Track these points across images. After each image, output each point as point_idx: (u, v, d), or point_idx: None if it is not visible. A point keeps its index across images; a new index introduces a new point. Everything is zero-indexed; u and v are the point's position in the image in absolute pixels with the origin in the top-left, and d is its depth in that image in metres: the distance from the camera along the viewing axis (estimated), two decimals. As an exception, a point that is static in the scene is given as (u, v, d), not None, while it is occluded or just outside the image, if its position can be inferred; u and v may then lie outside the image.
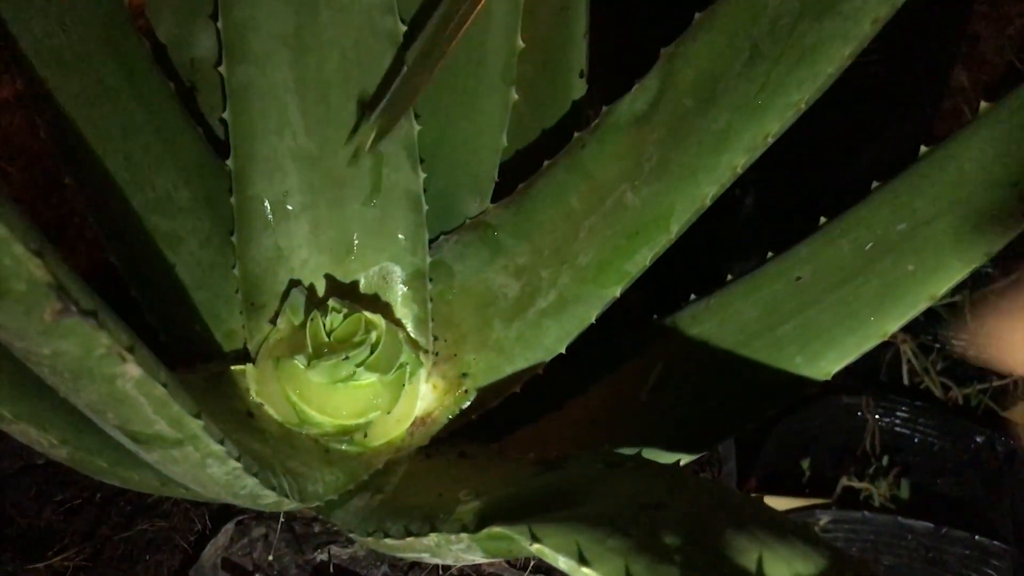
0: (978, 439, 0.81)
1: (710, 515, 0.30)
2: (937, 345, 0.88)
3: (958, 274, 0.41)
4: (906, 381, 0.87)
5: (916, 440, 0.83)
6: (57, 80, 0.45)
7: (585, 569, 0.27)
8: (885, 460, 0.81)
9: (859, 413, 0.82)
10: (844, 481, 0.77)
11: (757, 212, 0.83)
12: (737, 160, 0.44)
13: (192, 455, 0.33)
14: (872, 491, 0.78)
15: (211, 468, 0.34)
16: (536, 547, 0.29)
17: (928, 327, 0.87)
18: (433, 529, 0.36)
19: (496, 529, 0.32)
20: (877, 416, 0.82)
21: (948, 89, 1.06)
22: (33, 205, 0.88)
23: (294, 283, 0.49)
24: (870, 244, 0.45)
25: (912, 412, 0.83)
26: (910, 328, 0.42)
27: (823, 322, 0.44)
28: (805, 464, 0.80)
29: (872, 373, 0.87)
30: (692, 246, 0.50)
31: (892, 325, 0.43)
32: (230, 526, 0.47)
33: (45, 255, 0.23)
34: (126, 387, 0.27)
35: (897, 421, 0.83)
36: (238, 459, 0.34)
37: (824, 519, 0.71)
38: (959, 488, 0.81)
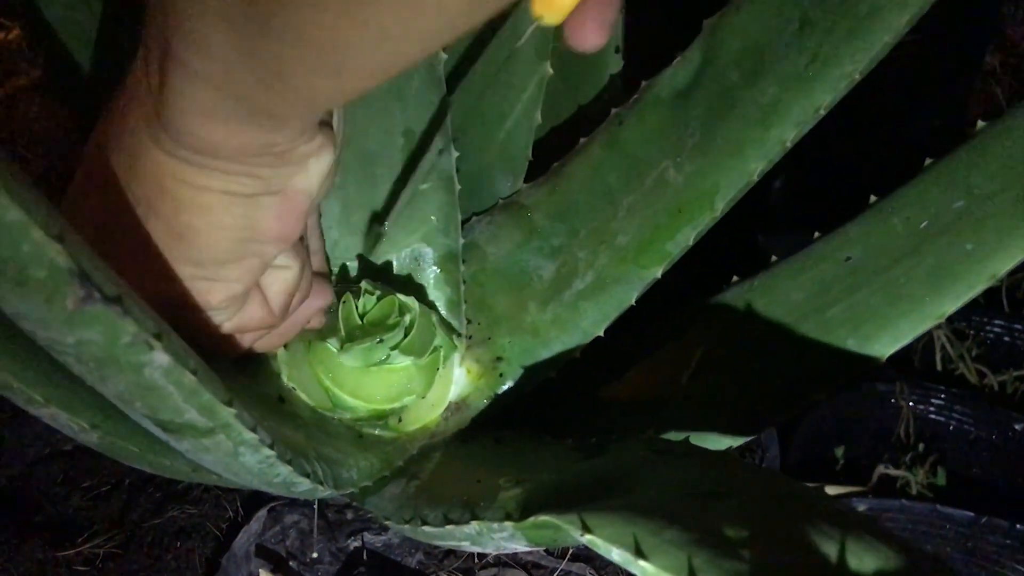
0: (1016, 426, 0.79)
1: (771, 506, 0.29)
2: (972, 331, 0.86)
3: (1022, 252, 0.39)
4: (939, 367, 0.85)
5: (951, 428, 0.81)
6: (80, 56, 0.44)
7: (642, 562, 0.26)
8: (921, 448, 0.79)
9: (893, 400, 0.80)
10: (880, 469, 0.76)
11: (794, 192, 0.81)
12: (787, 134, 0.42)
13: (224, 444, 0.32)
14: (909, 479, 0.76)
15: (244, 457, 0.33)
16: (588, 538, 0.28)
17: (963, 313, 0.85)
18: (474, 517, 0.35)
19: (543, 518, 0.30)
20: (911, 403, 0.80)
21: (979, 71, 1.04)
22: (51, 192, 0.88)
23: (324, 265, 0.48)
24: (924, 223, 0.43)
25: (947, 399, 0.81)
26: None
27: (875, 303, 0.43)
28: (839, 452, 0.78)
29: (906, 360, 0.85)
30: (733, 226, 0.48)
31: (949, 306, 0.41)
32: (262, 513, 0.46)
33: (66, 240, 0.22)
34: (154, 376, 0.26)
35: (932, 408, 0.82)
36: (271, 447, 0.33)
37: (861, 507, 0.69)
38: (997, 476, 0.79)
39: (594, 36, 0.31)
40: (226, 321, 0.36)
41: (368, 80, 0.26)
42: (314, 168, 0.32)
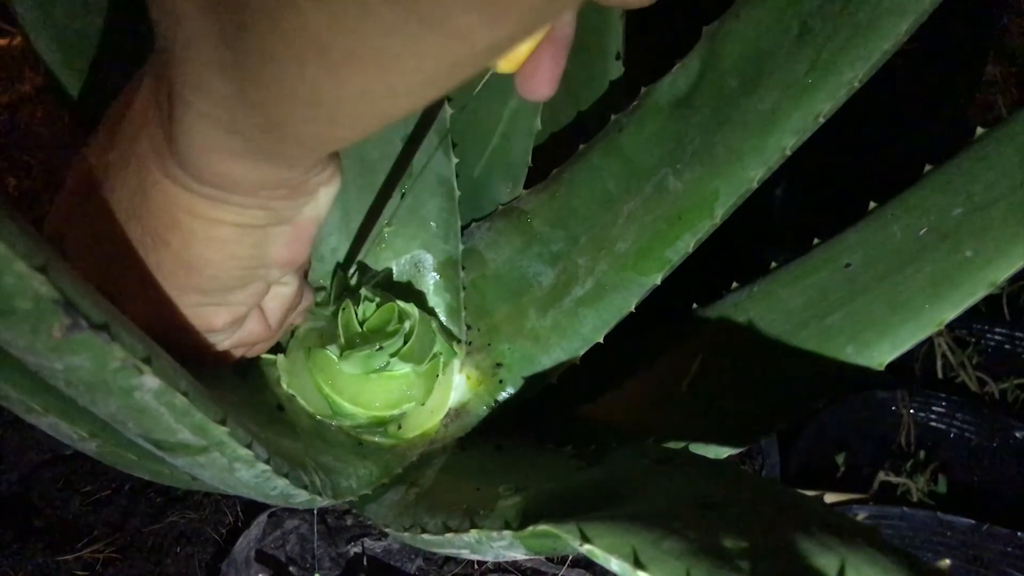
0: (1017, 434, 0.79)
1: (770, 516, 0.29)
2: (972, 339, 0.86)
3: (1021, 259, 0.39)
4: (940, 375, 0.85)
5: (952, 435, 0.81)
6: (81, 64, 0.44)
7: (641, 573, 0.26)
8: (922, 455, 0.79)
9: (894, 408, 0.80)
10: (881, 476, 0.76)
11: (794, 199, 0.81)
12: (786, 142, 0.42)
13: (219, 460, 0.32)
14: (910, 486, 0.76)
15: (239, 472, 0.33)
16: (587, 548, 0.28)
17: (964, 320, 0.85)
18: (473, 525, 0.35)
19: (543, 527, 0.30)
20: (912, 411, 0.80)
21: (981, 81, 1.04)
22: (54, 196, 0.88)
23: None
24: (923, 229, 0.43)
25: (948, 407, 0.81)
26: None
27: (875, 311, 0.42)
28: (840, 459, 0.78)
29: (906, 367, 0.85)
30: (732, 233, 0.48)
31: (949, 313, 0.41)
32: (262, 518, 0.46)
33: (50, 270, 0.22)
34: (144, 398, 0.26)
35: (932, 416, 0.82)
36: (267, 461, 0.33)
37: (862, 514, 0.69)
38: (998, 484, 0.79)
39: (543, 88, 0.33)
40: (226, 340, 0.36)
41: (365, 129, 0.26)
42: (323, 196, 0.33)
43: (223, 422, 0.29)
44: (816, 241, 0.47)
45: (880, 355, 0.42)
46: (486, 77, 0.34)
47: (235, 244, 0.31)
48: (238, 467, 0.32)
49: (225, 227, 0.31)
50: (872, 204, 0.45)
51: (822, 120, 0.42)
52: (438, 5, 0.20)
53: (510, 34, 0.22)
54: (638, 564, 0.26)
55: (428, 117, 0.47)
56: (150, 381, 0.26)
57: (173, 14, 0.24)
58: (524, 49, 0.32)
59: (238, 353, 0.39)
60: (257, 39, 0.22)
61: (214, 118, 0.26)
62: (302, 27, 0.21)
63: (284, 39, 0.22)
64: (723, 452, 0.44)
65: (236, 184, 0.29)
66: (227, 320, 0.34)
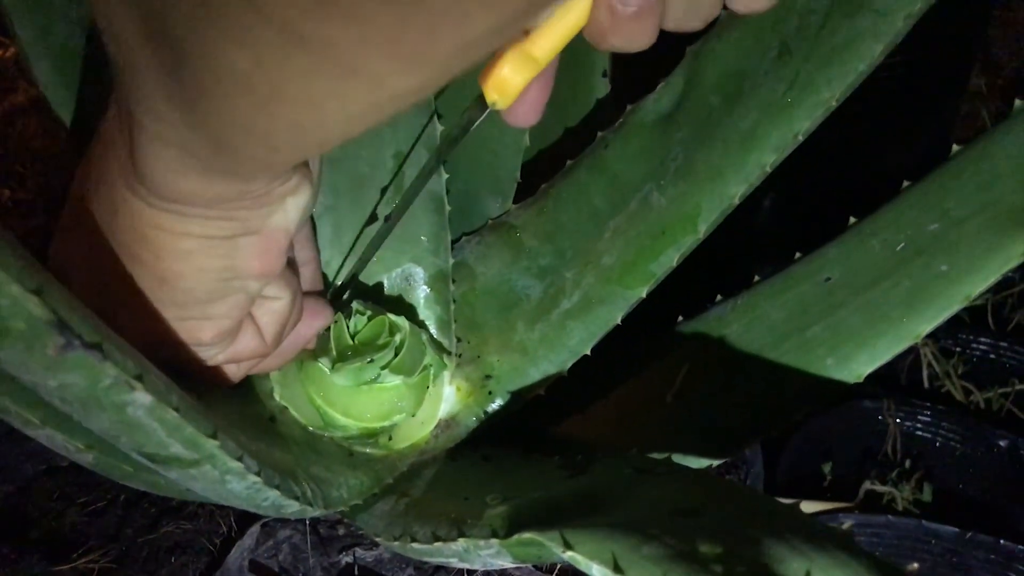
0: (1001, 443, 0.80)
1: (747, 522, 0.30)
2: (958, 349, 0.87)
3: (993, 274, 0.41)
4: (926, 385, 0.86)
5: (937, 444, 0.82)
6: (73, 81, 0.45)
7: (620, 577, 0.27)
8: (907, 464, 0.80)
9: (880, 417, 0.81)
10: (867, 485, 0.77)
11: (779, 213, 0.82)
12: (766, 159, 0.44)
13: (210, 473, 0.32)
14: (895, 495, 0.77)
15: (231, 484, 0.34)
16: (569, 554, 0.29)
17: (949, 330, 0.86)
18: (461, 534, 0.35)
19: (527, 535, 0.31)
20: (898, 420, 0.81)
21: (965, 93, 1.06)
22: (48, 207, 0.89)
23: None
24: (901, 245, 0.44)
25: (934, 416, 0.82)
26: (931, 331, 0.42)
27: (854, 323, 0.44)
28: (827, 468, 0.79)
29: (892, 377, 0.86)
30: (717, 247, 0.49)
31: (925, 326, 0.42)
32: (255, 528, 0.46)
33: (44, 292, 0.23)
34: (137, 414, 0.27)
35: (919, 425, 0.83)
36: (258, 473, 0.34)
37: (847, 523, 0.70)
38: (982, 492, 0.80)
39: (529, 116, 0.34)
40: (219, 354, 0.36)
41: (306, 154, 0.27)
42: (292, 206, 0.33)
43: (214, 436, 0.30)
44: (798, 255, 0.48)
45: (858, 367, 0.43)
46: (484, 115, 0.35)
47: (202, 256, 0.32)
48: (229, 479, 0.33)
49: (191, 239, 0.31)
50: (852, 219, 0.47)
51: (801, 138, 0.43)
52: (352, 54, 0.21)
53: (426, 81, 0.23)
54: (618, 569, 0.27)
55: (422, 134, 0.48)
56: (142, 397, 0.26)
57: (120, 41, 0.25)
58: (518, 84, 0.32)
59: (240, 371, 0.39)
60: (191, 74, 0.23)
61: (167, 139, 0.27)
62: (229, 67, 0.22)
63: (216, 76, 0.23)
64: (705, 462, 0.45)
65: (196, 198, 0.30)
66: (213, 333, 0.35)
